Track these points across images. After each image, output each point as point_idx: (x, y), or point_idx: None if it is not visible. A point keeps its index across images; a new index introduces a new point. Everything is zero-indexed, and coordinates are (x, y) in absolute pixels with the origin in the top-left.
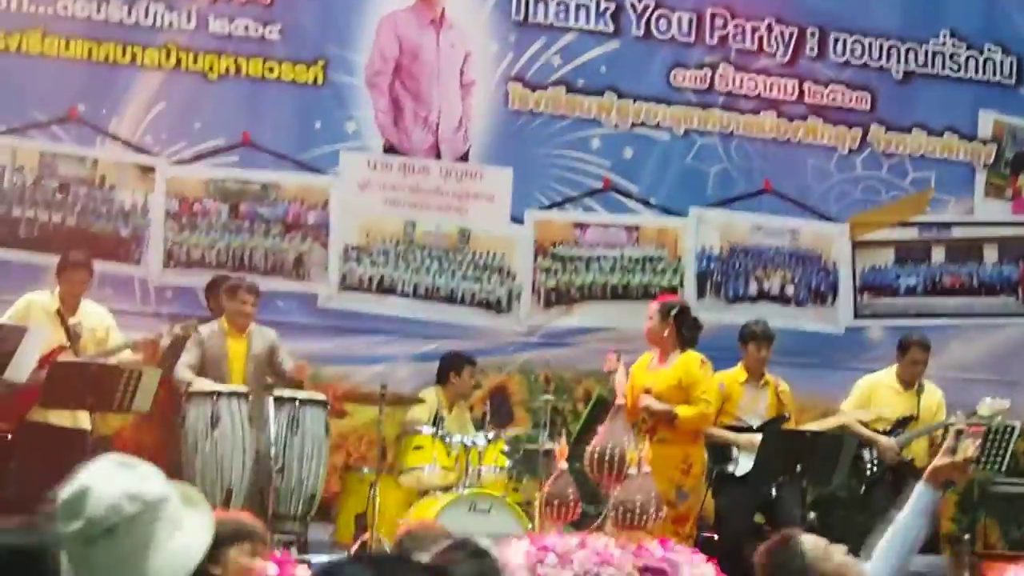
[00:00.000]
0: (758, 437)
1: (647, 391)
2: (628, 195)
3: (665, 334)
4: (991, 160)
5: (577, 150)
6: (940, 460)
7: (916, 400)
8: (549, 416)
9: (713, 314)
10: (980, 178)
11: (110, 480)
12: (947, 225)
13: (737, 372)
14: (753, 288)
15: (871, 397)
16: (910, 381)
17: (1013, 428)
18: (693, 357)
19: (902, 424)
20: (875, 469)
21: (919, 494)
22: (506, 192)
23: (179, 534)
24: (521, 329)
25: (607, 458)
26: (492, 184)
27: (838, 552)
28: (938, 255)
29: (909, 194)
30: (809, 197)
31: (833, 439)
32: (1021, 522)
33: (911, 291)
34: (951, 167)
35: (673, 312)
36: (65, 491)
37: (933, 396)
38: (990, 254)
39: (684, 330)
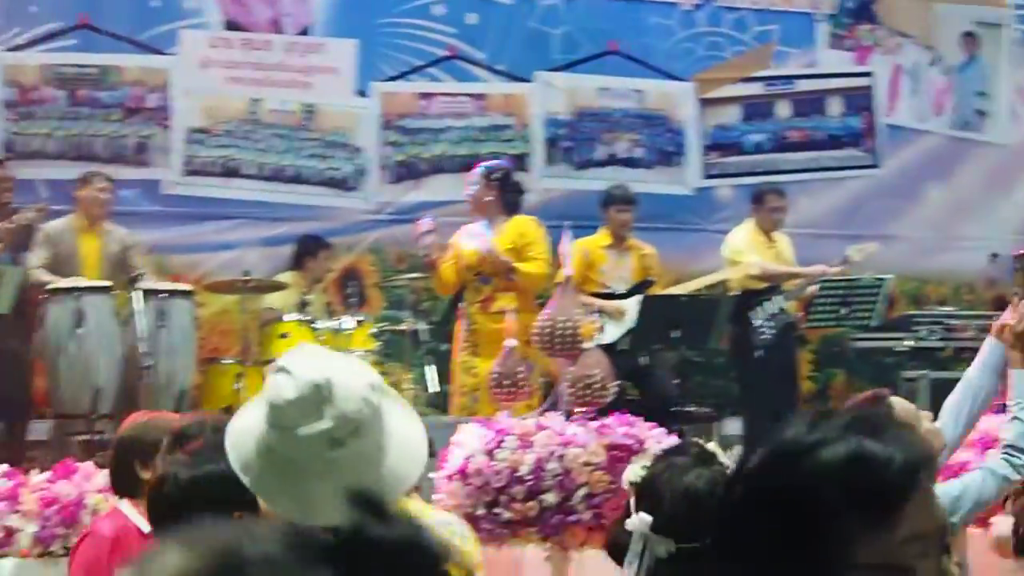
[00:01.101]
0: (625, 303)
1: (481, 257)
2: (473, 62)
3: (488, 199)
4: (832, 10)
5: (420, 18)
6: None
7: (776, 253)
8: (413, 295)
9: (563, 181)
10: (821, 28)
11: (347, 370)
12: (791, 78)
13: (599, 237)
14: (602, 152)
15: (757, 250)
16: (771, 231)
17: (883, 280)
18: (527, 219)
19: None
20: (769, 332)
21: (989, 350)
22: (350, 65)
23: (397, 424)
24: (370, 207)
25: (559, 333)
26: (335, 57)
27: (925, 419)
28: (783, 110)
29: (752, 48)
30: (653, 56)
31: (709, 301)
32: (877, 379)
33: (758, 148)
34: (792, 18)
35: (495, 176)
36: (289, 387)
37: (784, 243)
38: (834, 106)
39: (508, 194)
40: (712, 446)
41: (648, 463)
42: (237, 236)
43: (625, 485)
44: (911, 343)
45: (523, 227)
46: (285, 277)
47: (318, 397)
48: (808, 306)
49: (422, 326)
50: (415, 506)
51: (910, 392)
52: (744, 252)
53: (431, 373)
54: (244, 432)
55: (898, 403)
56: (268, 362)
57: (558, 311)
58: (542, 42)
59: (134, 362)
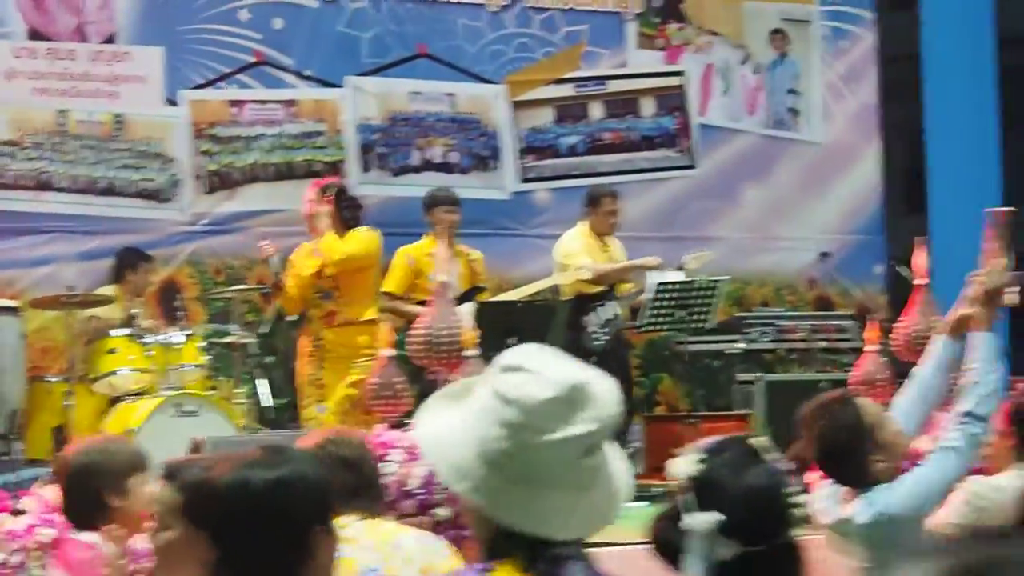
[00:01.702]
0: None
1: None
2: (282, 68)
3: (325, 216)
4: (640, 9)
5: (225, 23)
6: (964, 311)
7: (610, 257)
8: (236, 308)
9: (379, 187)
10: (631, 28)
11: (591, 372)
12: (602, 79)
13: (425, 244)
14: (417, 158)
15: (591, 254)
16: (605, 235)
17: (718, 282)
18: (363, 229)
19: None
20: (603, 337)
21: (941, 348)
22: (157, 73)
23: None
24: (185, 218)
25: (437, 342)
26: (142, 65)
27: (892, 422)
28: (596, 111)
29: (562, 49)
30: (463, 59)
31: (545, 307)
32: (707, 382)
33: (573, 150)
34: (601, 19)
35: (328, 193)
36: (540, 387)
37: (617, 246)
38: (647, 106)
39: (345, 210)
40: (761, 440)
41: (702, 456)
42: (52, 251)
43: (678, 479)
44: (743, 345)
45: (353, 235)
46: (106, 291)
47: (576, 399)
48: (640, 310)
49: (250, 339)
50: (389, 526)
51: (745, 395)
52: (577, 255)
53: (263, 387)
54: (451, 435)
55: (866, 403)
56: (96, 379)
57: (435, 319)
58: (351, 46)
59: None
